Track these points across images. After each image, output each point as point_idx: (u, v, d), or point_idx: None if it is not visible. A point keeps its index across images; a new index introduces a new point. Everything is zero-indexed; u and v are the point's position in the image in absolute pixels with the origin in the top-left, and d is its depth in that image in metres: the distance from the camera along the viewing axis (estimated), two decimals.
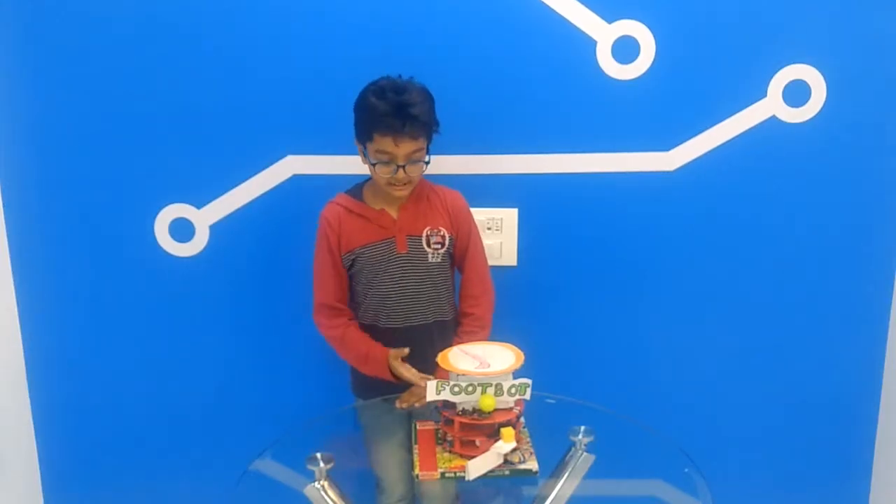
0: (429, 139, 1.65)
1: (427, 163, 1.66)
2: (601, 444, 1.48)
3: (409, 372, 1.65)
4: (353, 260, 1.71)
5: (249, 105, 1.88)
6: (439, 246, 1.72)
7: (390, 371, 1.67)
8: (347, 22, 1.83)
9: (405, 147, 1.58)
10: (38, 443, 2.12)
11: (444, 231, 1.72)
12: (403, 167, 1.60)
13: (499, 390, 1.41)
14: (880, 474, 2.07)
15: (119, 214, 1.95)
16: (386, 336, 1.72)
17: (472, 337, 1.70)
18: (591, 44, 1.83)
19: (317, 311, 1.75)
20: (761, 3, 1.81)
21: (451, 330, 1.77)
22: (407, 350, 1.66)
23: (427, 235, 1.71)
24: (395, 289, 1.71)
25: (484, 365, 1.44)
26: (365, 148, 1.64)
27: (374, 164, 1.62)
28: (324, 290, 1.72)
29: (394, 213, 1.70)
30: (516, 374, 1.44)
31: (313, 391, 2.04)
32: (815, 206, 1.92)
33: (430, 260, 1.72)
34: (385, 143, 1.58)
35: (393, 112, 1.55)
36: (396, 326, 1.73)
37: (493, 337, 1.73)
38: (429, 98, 1.63)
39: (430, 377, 1.56)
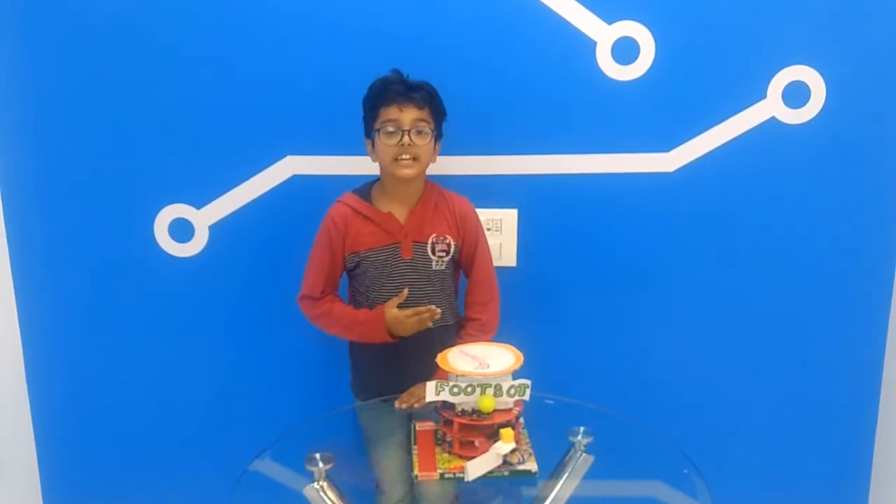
0: (434, 117, 1.66)
1: (436, 139, 1.68)
2: (601, 444, 1.48)
3: (406, 310, 1.64)
4: (358, 262, 1.71)
5: (249, 105, 1.88)
6: (444, 254, 1.71)
7: (388, 329, 1.66)
8: (347, 22, 1.83)
9: (409, 113, 1.62)
10: (37, 443, 2.12)
11: (449, 239, 1.72)
12: (409, 134, 1.61)
13: (498, 391, 1.41)
14: (880, 474, 2.07)
15: (119, 214, 1.95)
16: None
17: (476, 341, 1.68)
18: (590, 45, 1.83)
19: (301, 298, 1.75)
20: (761, 4, 1.81)
21: (453, 335, 1.76)
22: (406, 291, 1.67)
23: (433, 243, 1.71)
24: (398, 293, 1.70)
25: (483, 366, 1.44)
26: (373, 135, 1.65)
27: (380, 137, 1.63)
28: (314, 286, 1.72)
29: (401, 218, 1.70)
30: (515, 375, 1.44)
31: (313, 391, 2.04)
32: (815, 207, 1.92)
33: (434, 267, 1.71)
34: (390, 111, 1.62)
35: (397, 80, 1.64)
36: None
37: (493, 338, 1.73)
38: (432, 86, 1.67)
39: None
